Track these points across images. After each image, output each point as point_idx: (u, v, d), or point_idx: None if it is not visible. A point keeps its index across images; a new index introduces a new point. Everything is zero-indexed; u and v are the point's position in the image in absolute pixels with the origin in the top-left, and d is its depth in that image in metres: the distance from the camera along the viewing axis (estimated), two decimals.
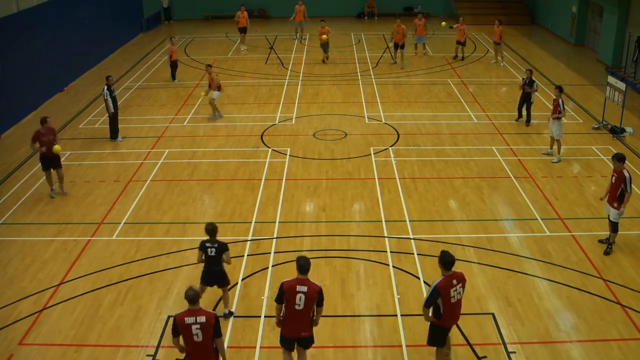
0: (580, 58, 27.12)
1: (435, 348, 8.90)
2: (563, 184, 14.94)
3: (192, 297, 7.77)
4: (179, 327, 7.79)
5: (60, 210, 14.14)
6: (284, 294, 8.32)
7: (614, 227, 12.04)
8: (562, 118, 16.02)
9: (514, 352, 9.49)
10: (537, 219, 13.39)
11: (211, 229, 10.00)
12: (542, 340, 9.78)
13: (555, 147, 16.31)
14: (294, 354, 8.81)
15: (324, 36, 25.50)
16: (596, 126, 18.59)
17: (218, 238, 10.04)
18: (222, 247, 9.97)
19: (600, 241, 12.45)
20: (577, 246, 12.37)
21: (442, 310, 8.46)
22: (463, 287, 8.55)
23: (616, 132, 17.80)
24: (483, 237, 12.72)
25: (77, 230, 13.23)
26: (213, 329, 7.80)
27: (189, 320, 7.75)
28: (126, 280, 11.44)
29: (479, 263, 11.80)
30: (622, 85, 17.82)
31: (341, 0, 36.39)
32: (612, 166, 12.06)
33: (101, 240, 12.86)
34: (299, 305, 8.31)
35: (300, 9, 29.81)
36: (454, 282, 8.43)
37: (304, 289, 8.28)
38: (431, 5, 36.46)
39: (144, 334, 10.03)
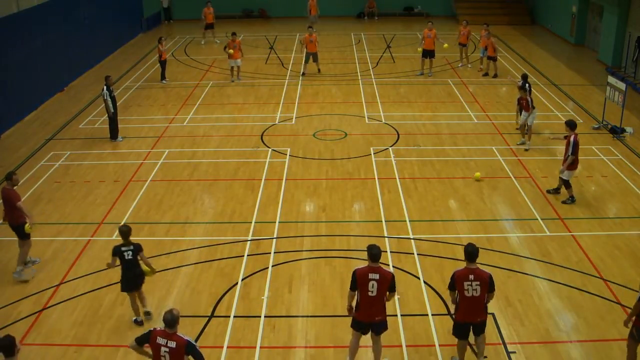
0: (580, 58, 27.12)
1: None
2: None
3: (169, 320, 7.43)
4: (150, 341, 7.51)
5: (60, 210, 14.14)
6: (357, 281, 8.50)
7: (565, 184, 13.94)
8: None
9: (514, 352, 9.49)
10: (537, 219, 13.39)
11: (125, 231, 9.84)
12: (542, 340, 9.78)
13: (527, 136, 17.05)
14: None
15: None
16: (596, 126, 18.59)
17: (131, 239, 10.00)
18: (137, 248, 9.89)
19: (548, 191, 14.32)
20: (577, 246, 12.37)
21: (458, 300, 8.65)
22: (481, 287, 8.55)
23: (616, 132, 17.79)
24: (483, 237, 12.71)
25: (77, 230, 13.23)
26: (183, 357, 7.40)
27: (160, 340, 7.46)
28: None
29: (479, 263, 11.72)
30: (622, 85, 17.81)
31: (341, 0, 36.38)
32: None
33: (101, 240, 12.85)
34: (372, 292, 8.51)
35: (313, 3, 31.14)
36: (471, 277, 8.54)
37: (376, 276, 8.48)
38: (431, 5, 36.45)
39: None
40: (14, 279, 11.44)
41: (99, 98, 21.44)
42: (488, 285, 8.62)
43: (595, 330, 9.98)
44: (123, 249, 9.87)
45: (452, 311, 8.99)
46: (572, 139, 13.50)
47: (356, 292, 8.64)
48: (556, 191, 14.29)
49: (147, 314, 10.35)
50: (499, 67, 24.05)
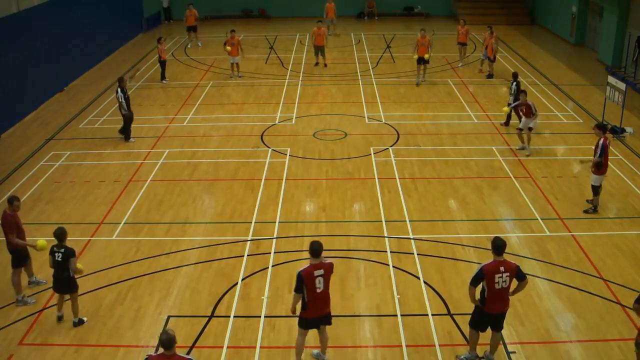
0: (580, 58, 27.12)
1: (470, 329, 9.19)
2: (563, 184, 14.94)
3: (166, 342, 7.22)
4: None
5: (60, 210, 14.14)
6: (304, 283, 8.53)
7: (593, 189, 13.52)
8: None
9: (514, 352, 9.49)
10: (537, 219, 13.39)
11: (59, 234, 9.98)
12: (542, 340, 9.78)
13: (525, 138, 16.70)
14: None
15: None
16: None
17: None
18: (69, 253, 9.91)
19: (586, 211, 13.58)
20: (577, 246, 12.37)
21: (486, 295, 8.70)
22: (511, 277, 8.67)
23: (616, 132, 17.79)
24: (483, 237, 12.70)
25: (77, 230, 13.21)
26: None
27: None
28: (126, 280, 11.44)
29: (479, 263, 11.73)
30: (622, 85, 17.81)
31: (341, 0, 36.33)
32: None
33: (101, 240, 12.86)
34: (320, 287, 8.62)
35: (331, 7, 30.83)
36: (501, 269, 8.60)
37: (321, 272, 8.60)
38: (431, 5, 36.45)
39: (144, 334, 10.03)
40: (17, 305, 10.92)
41: (99, 98, 21.56)
42: (516, 275, 8.73)
43: (595, 330, 9.98)
44: (55, 249, 10.03)
45: (474, 304, 8.96)
46: (600, 141, 13.22)
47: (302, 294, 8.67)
48: (592, 204, 13.66)
49: (79, 322, 10.26)
50: (498, 69, 24.06)
